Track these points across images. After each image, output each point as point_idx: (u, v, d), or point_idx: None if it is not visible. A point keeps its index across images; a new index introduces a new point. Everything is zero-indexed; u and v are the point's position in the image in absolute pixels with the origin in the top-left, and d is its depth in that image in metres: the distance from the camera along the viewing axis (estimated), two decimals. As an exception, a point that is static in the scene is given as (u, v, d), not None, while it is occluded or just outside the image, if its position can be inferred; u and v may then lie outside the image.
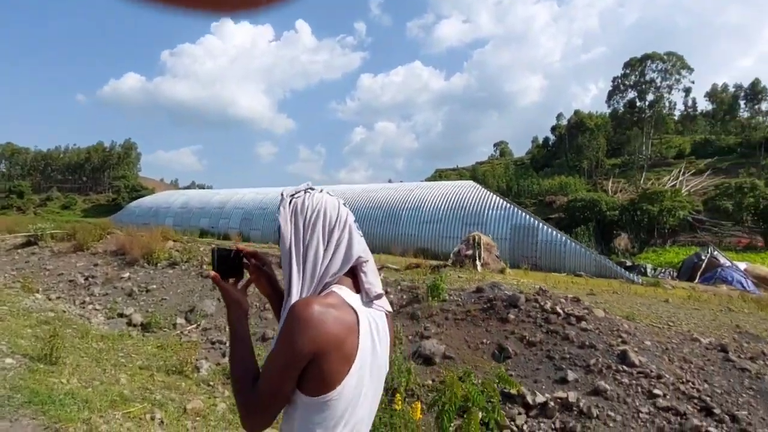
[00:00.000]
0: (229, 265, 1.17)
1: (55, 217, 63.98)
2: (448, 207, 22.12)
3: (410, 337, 6.28)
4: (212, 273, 1.15)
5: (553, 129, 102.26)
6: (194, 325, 7.77)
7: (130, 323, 7.91)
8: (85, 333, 6.67)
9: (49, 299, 9.26)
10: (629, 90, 61.09)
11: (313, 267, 1.05)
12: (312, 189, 1.15)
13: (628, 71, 60.06)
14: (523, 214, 19.64)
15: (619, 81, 61.76)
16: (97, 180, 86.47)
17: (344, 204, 1.15)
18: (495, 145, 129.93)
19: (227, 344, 2.00)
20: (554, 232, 18.24)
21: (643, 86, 58.53)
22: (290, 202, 1.11)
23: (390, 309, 1.14)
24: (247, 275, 1.22)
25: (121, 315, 8.30)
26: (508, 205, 20.60)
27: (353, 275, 1.10)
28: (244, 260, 1.21)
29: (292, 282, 1.04)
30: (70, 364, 4.93)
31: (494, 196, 21.78)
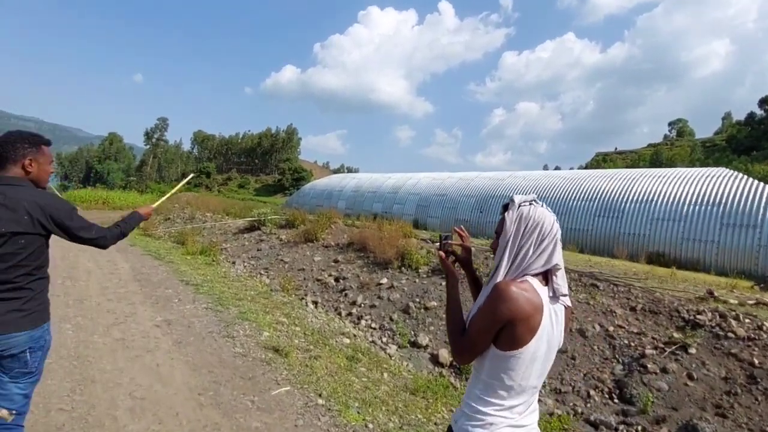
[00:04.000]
0: (446, 246, 1.62)
1: (233, 195, 72.37)
2: (693, 201, 17.01)
3: None
4: (441, 253, 1.60)
5: (764, 102, 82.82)
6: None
7: (435, 360, 5.86)
8: (396, 375, 4.67)
9: (309, 304, 7.86)
10: None
11: (519, 262, 1.39)
12: (536, 201, 1.46)
13: None
14: None
15: None
16: (266, 162, 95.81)
17: (556, 220, 1.44)
18: (670, 125, 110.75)
19: (445, 314, 1.60)
20: None
21: None
22: (518, 208, 1.44)
23: (570, 304, 1.46)
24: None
25: (413, 344, 6.35)
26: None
27: (544, 274, 1.42)
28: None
29: (500, 267, 1.40)
30: None
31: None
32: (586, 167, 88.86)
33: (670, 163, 61.76)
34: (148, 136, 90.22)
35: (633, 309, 6.38)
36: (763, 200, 15.46)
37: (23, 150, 1.93)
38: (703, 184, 17.61)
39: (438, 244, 1.57)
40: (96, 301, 5.44)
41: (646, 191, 18.79)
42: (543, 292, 1.36)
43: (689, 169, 22.82)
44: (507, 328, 1.30)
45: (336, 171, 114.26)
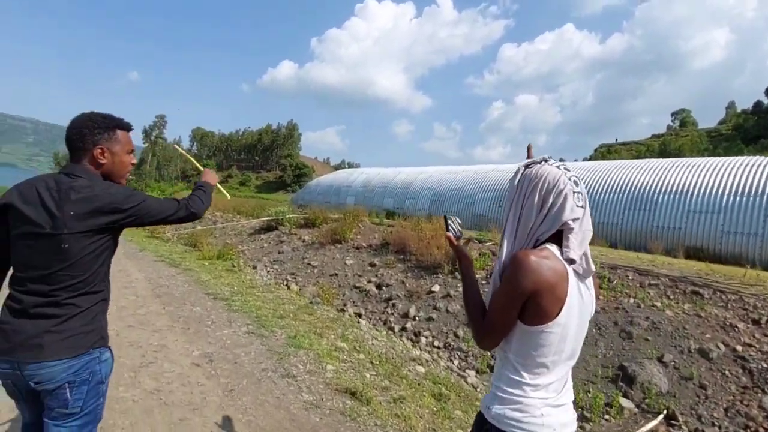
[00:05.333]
0: (449, 228, 1.48)
1: (234, 192, 71.15)
2: (732, 192, 15.94)
3: None
4: (449, 234, 1.45)
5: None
6: (652, 413, 4.31)
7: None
8: None
9: (360, 321, 6.79)
10: None
11: (524, 226, 1.23)
12: (546, 161, 1.27)
13: None
14: None
15: None
16: (267, 159, 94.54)
17: (571, 177, 1.23)
18: (673, 115, 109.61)
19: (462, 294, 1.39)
20: None
21: None
22: (522, 172, 1.28)
23: (594, 269, 1.26)
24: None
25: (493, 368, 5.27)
26: None
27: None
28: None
29: (504, 237, 1.27)
30: None
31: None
32: (590, 159, 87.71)
33: (679, 153, 60.69)
34: (146, 134, 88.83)
35: (757, 322, 5.31)
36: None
37: (93, 137, 1.58)
38: (741, 173, 16.42)
39: (445, 226, 1.47)
40: (114, 329, 4.34)
41: (680, 182, 17.62)
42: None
43: (725, 158, 21.56)
44: (531, 301, 1.17)
45: (337, 167, 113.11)
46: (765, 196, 15.19)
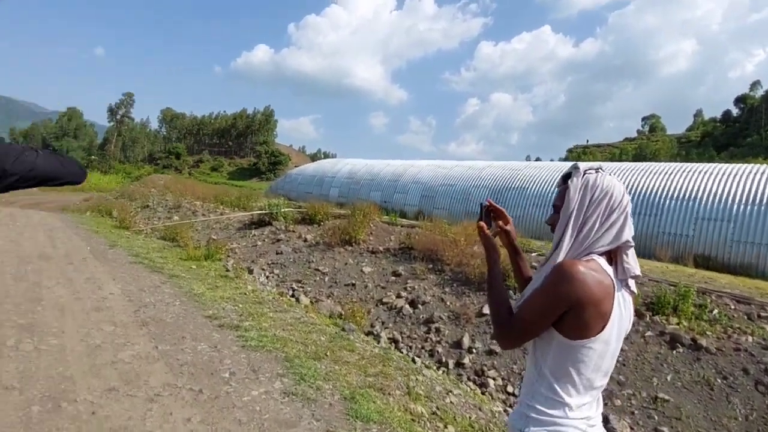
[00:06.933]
0: (485, 217, 1.42)
1: (205, 178, 67.95)
2: (743, 200, 15.41)
3: None
4: (481, 223, 1.39)
5: (739, 101, 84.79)
6: None
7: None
8: None
9: (393, 344, 5.39)
10: None
11: (585, 237, 1.18)
12: (602, 170, 1.25)
13: None
14: None
15: None
16: (241, 144, 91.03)
17: (627, 192, 1.22)
18: (644, 119, 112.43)
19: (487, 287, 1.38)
20: None
21: None
22: (583, 175, 1.22)
23: (635, 290, 1.23)
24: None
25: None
26: None
27: (609, 253, 1.20)
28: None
29: (563, 243, 1.19)
30: None
31: None
32: (566, 160, 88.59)
33: (654, 158, 61.83)
34: (112, 112, 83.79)
35: None
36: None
37: None
38: (751, 181, 15.85)
39: (480, 214, 1.39)
40: (86, 401, 2.77)
41: (687, 188, 16.92)
42: (611, 272, 1.18)
43: (732, 164, 21.01)
44: (573, 314, 1.12)
45: (313, 156, 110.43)
46: (778, 204, 14.61)
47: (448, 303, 6.51)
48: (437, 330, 5.97)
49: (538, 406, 1.17)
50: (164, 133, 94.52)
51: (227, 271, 7.79)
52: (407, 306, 6.64)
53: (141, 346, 3.73)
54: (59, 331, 3.79)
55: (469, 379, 4.98)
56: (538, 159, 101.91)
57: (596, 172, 1.23)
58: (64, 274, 5.96)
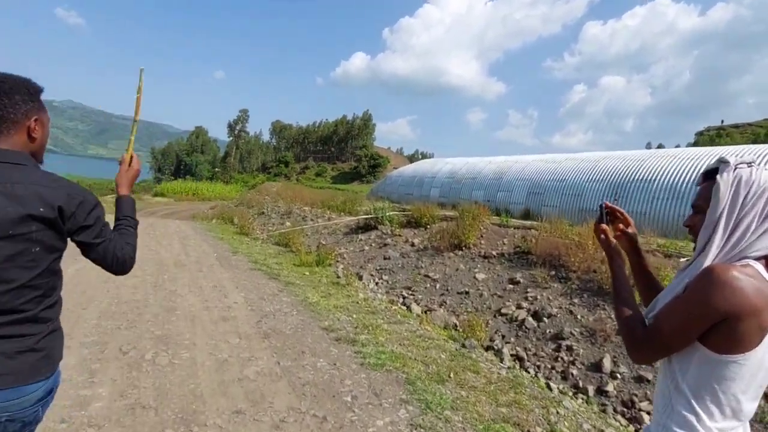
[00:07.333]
0: (604, 219, 1.32)
1: (311, 183, 71.95)
2: None
3: None
4: (604, 225, 1.29)
5: None
6: None
7: None
8: None
9: (518, 362, 4.80)
10: None
11: (738, 239, 1.04)
12: (755, 163, 1.10)
13: None
14: None
15: None
16: (342, 150, 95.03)
17: None
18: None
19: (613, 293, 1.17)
20: None
21: None
22: (735, 170, 1.08)
23: None
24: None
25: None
26: None
27: (766, 258, 1.06)
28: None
29: (712, 245, 1.05)
30: None
31: None
32: (695, 144, 77.57)
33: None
34: (230, 127, 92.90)
35: None
36: None
37: (25, 105, 1.16)
38: None
39: (601, 216, 1.27)
40: (215, 425, 2.73)
41: None
42: None
43: None
44: (726, 325, 0.97)
45: (411, 157, 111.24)
46: None
47: (578, 316, 5.72)
48: (569, 348, 5.24)
49: (675, 428, 1.03)
50: (274, 143, 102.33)
51: (338, 277, 7.82)
52: (530, 318, 5.99)
53: (264, 362, 3.69)
54: (191, 343, 3.92)
55: (615, 411, 4.23)
56: (660, 146, 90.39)
57: (749, 165, 1.08)
58: (195, 281, 6.38)
